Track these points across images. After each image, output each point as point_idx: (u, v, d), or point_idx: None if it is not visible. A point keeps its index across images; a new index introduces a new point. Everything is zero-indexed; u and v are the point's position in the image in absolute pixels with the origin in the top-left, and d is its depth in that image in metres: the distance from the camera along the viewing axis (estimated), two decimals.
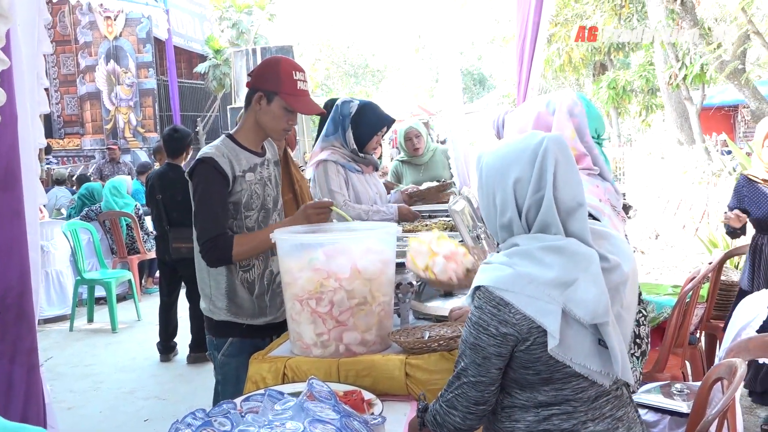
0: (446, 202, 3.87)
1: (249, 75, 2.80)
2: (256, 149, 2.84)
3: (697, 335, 4.28)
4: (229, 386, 2.80)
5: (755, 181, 4.27)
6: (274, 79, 2.72)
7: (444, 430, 1.86)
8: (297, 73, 2.74)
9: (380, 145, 6.67)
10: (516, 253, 1.74)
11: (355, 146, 3.77)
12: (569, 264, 1.70)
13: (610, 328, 1.71)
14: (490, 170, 1.80)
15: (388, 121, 3.85)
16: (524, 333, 1.70)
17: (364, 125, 3.72)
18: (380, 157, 6.97)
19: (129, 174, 11.18)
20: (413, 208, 4.16)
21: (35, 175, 2.19)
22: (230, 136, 2.82)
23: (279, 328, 2.85)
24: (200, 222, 2.68)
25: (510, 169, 1.76)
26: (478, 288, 1.76)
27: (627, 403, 1.90)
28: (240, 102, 13.17)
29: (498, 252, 1.84)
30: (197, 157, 2.74)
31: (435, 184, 4.65)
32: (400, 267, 2.65)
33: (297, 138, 5.84)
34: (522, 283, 1.69)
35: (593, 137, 3.82)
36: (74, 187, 10.73)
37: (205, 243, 2.66)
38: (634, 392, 2.09)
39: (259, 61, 13.01)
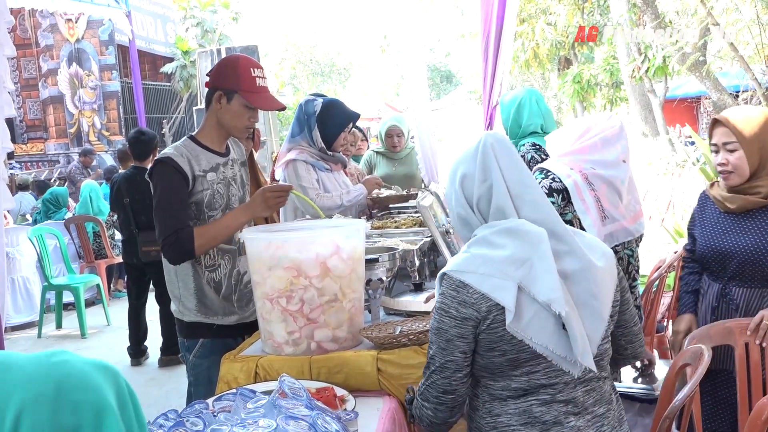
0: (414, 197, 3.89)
1: (207, 75, 2.79)
2: (218, 149, 2.83)
3: (664, 323, 4.35)
4: (201, 387, 2.79)
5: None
6: (233, 77, 2.72)
7: (422, 424, 1.88)
8: (255, 69, 2.74)
9: (366, 140, 6.64)
10: (474, 242, 1.84)
11: (322, 145, 3.77)
12: (521, 243, 1.78)
13: (569, 308, 1.73)
14: (447, 177, 1.94)
15: (354, 117, 3.86)
16: (483, 312, 1.75)
17: (330, 123, 3.72)
18: None
19: (98, 179, 11.01)
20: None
21: (1, 180, 2.16)
22: (192, 138, 2.82)
23: (250, 327, 2.84)
24: (160, 219, 2.66)
25: (458, 169, 1.90)
26: (441, 277, 1.84)
27: (610, 401, 1.88)
28: None
29: None
30: (156, 158, 2.74)
31: (396, 193, 4.50)
32: (370, 263, 2.66)
33: (263, 138, 5.75)
34: (477, 263, 1.77)
35: (540, 132, 3.99)
36: (36, 193, 10.57)
37: (166, 238, 2.63)
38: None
39: None
